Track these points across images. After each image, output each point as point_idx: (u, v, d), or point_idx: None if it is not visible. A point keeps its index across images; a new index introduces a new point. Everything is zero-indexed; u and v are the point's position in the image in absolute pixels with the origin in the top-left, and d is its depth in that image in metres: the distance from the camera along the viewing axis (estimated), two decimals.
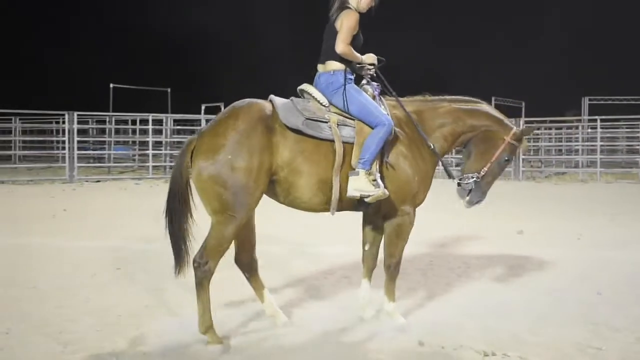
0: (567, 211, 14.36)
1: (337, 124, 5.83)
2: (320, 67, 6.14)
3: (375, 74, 6.25)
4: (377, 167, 5.81)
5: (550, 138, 28.81)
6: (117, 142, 27.57)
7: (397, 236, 6.13)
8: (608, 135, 26.08)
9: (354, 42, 6.02)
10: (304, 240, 10.40)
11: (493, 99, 30.63)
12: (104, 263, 8.59)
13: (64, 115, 22.42)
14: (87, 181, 21.29)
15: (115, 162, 26.43)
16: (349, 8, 6.04)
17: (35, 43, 47.85)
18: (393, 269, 6.21)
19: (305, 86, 6.13)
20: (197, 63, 45.33)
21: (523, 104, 31.71)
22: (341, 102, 5.96)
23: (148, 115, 23.67)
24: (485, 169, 6.31)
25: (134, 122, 27.16)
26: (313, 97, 6.01)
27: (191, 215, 5.71)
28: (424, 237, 10.49)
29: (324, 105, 5.95)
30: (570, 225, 12.23)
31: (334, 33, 5.97)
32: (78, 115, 21.94)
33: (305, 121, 5.70)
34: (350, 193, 5.69)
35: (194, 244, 5.74)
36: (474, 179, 6.30)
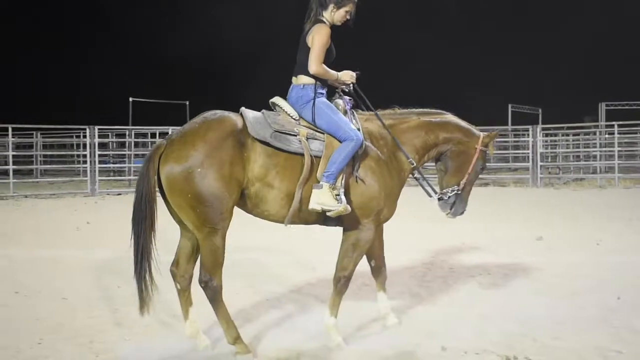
0: (586, 217, 14.37)
1: (307, 137, 5.79)
2: (293, 79, 6.12)
3: (351, 88, 6.23)
4: (343, 182, 5.75)
5: (567, 144, 28.76)
6: (136, 155, 27.80)
7: (354, 250, 6.04)
8: (626, 140, 26.02)
9: (326, 58, 5.97)
10: (323, 248, 10.51)
11: (510, 106, 30.73)
12: (128, 275, 8.70)
13: (84, 129, 22.66)
14: (108, 194, 21.54)
15: (135, 175, 26.58)
16: (322, 22, 5.99)
17: (55, 59, 48.42)
18: (342, 284, 6.08)
19: (276, 99, 6.09)
20: (216, 76, 45.70)
21: (540, 110, 31.75)
22: (310, 115, 5.93)
23: (167, 128, 23.86)
24: (464, 180, 6.39)
25: (153, 136, 27.39)
26: (283, 110, 5.97)
27: (155, 224, 5.63)
28: (443, 245, 10.65)
29: (294, 119, 5.91)
30: (589, 230, 12.26)
31: (306, 48, 5.95)
32: (98, 129, 22.20)
33: (273, 134, 5.65)
34: (312, 206, 5.63)
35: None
36: (455, 191, 6.39)
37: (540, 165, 22.95)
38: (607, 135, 26.35)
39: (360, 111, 6.30)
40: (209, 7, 40.78)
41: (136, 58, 45.14)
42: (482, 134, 6.45)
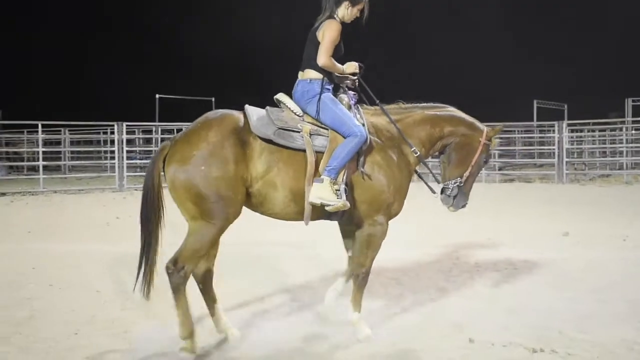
0: (612, 213, 14.33)
1: (310, 134, 5.82)
2: (299, 74, 6.17)
3: (356, 83, 6.29)
4: (344, 177, 5.78)
5: (593, 140, 28.59)
6: None
7: (368, 246, 6.08)
8: None
9: (335, 53, 6.03)
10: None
11: (535, 101, 30.61)
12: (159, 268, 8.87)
13: (112, 126, 22.90)
14: (136, 190, 21.76)
15: None
16: (334, 18, 6.06)
17: (83, 57, 48.89)
18: (361, 279, 6.13)
19: (280, 95, 6.12)
20: (242, 72, 45.86)
21: (565, 106, 31.60)
22: (314, 111, 5.97)
23: None
24: (467, 173, 6.42)
25: (179, 132, 27.52)
26: (287, 106, 6.02)
27: (162, 221, 5.71)
28: (468, 241, 10.74)
29: (297, 115, 5.95)
30: (616, 227, 12.26)
31: (315, 42, 6.01)
32: (126, 125, 22.44)
33: (277, 131, 5.67)
34: (311, 199, 5.65)
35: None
36: (457, 184, 6.42)
37: (566, 162, 22.86)
38: (633, 132, 26.20)
39: (365, 106, 6.33)
40: (236, 4, 40.96)
41: (163, 55, 45.40)
42: (486, 128, 6.49)
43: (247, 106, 5.86)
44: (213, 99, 28.17)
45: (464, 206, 6.51)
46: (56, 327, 6.37)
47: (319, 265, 8.83)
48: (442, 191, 6.50)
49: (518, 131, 29.90)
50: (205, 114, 5.88)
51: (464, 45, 44.05)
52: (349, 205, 5.73)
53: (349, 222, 6.10)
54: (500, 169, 25.78)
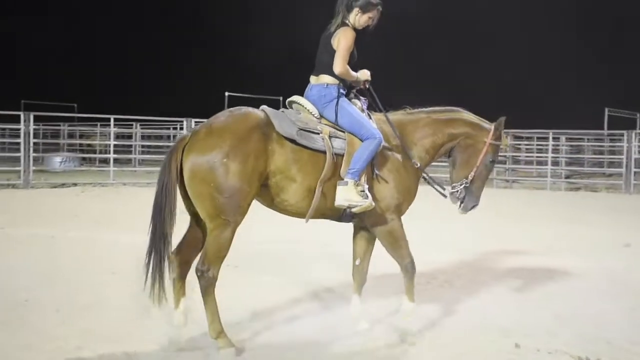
0: None
1: (329, 136, 5.93)
2: (313, 78, 6.26)
3: (367, 89, 6.36)
4: (365, 178, 5.92)
5: None
6: None
7: (396, 240, 6.22)
8: None
9: (349, 60, 6.13)
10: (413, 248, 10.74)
11: (606, 110, 30.03)
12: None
13: (181, 121, 23.40)
14: None
15: None
16: (347, 25, 6.15)
17: (156, 55, 50.05)
18: (410, 268, 6.26)
19: (296, 98, 6.22)
20: (310, 71, 46.27)
21: (638, 115, 30.94)
22: (333, 115, 6.07)
23: None
24: (472, 174, 6.45)
25: None
26: (305, 108, 6.12)
27: (174, 214, 5.70)
28: (526, 247, 10.75)
29: (315, 117, 6.07)
30: None
31: (330, 47, 6.11)
32: (195, 122, 22.90)
33: (299, 131, 5.77)
34: (339, 202, 5.79)
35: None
36: (463, 185, 6.46)
37: (635, 172, 22.41)
38: None
39: (373, 112, 6.42)
40: (305, 5, 41.32)
41: (232, 54, 46.05)
42: (492, 127, 6.50)
43: (264, 106, 5.96)
44: (280, 98, 28.46)
45: (473, 207, 6.59)
46: (118, 313, 6.67)
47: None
48: (451, 193, 6.56)
49: (588, 139, 29.45)
50: (228, 109, 5.97)
51: (534, 50, 43.51)
52: (374, 204, 5.87)
53: (360, 222, 6.21)
54: (567, 177, 25.42)
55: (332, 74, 6.11)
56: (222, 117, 5.80)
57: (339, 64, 6.03)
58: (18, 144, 21.07)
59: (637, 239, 11.80)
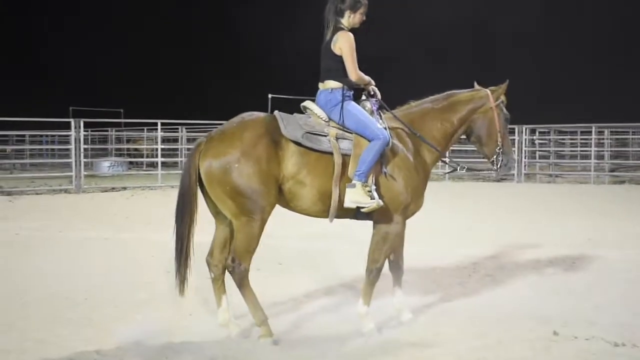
0: None
1: (337, 138, 6.15)
2: (320, 85, 6.47)
3: (373, 91, 6.54)
4: (373, 179, 6.10)
5: None
6: None
7: (384, 243, 6.34)
8: None
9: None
10: (452, 241, 11.00)
11: None
12: (267, 259, 9.41)
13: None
14: None
15: None
16: (342, 29, 6.34)
17: (198, 60, 50.80)
18: (374, 275, 6.37)
19: (307, 103, 6.46)
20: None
21: None
22: (339, 117, 6.27)
23: None
24: (500, 141, 6.65)
25: None
26: (314, 112, 6.34)
27: (196, 215, 6.06)
28: (567, 241, 10.90)
29: (324, 120, 6.28)
30: None
31: (331, 53, 6.31)
32: None
33: (305, 134, 6.02)
34: (347, 204, 5.99)
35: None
36: (498, 153, 6.64)
37: None
38: None
39: (385, 112, 6.59)
40: None
41: (276, 57, 46.42)
42: (488, 91, 6.69)
43: (277, 111, 6.24)
44: None
45: (514, 163, 6.91)
46: (173, 308, 7.00)
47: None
48: (493, 165, 6.75)
49: (633, 132, 29.21)
50: (240, 115, 6.23)
51: (578, 41, 43.10)
52: (382, 203, 6.06)
53: (368, 219, 6.37)
54: (612, 171, 25.24)
55: (335, 78, 6.35)
56: (234, 123, 6.12)
57: (352, 71, 6.30)
58: (68, 149, 21.66)
59: None
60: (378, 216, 6.28)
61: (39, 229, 12.59)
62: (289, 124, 6.07)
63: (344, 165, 6.09)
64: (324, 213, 6.20)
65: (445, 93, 6.80)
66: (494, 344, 5.97)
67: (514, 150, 6.81)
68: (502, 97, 6.74)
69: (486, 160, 6.83)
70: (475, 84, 6.90)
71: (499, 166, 6.71)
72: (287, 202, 6.17)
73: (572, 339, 6.00)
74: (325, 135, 6.14)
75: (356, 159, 6.08)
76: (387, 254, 6.47)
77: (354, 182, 6.00)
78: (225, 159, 5.84)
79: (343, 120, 6.29)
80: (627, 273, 8.62)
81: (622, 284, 8.09)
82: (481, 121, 6.67)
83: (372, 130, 6.15)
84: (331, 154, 6.09)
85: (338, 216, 6.23)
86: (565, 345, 5.89)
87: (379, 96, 6.56)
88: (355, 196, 5.98)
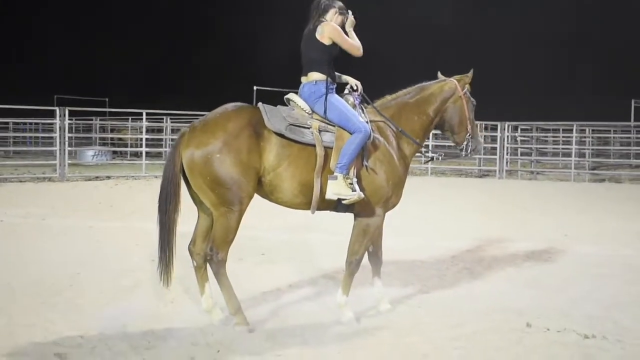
0: None
1: (319, 130, 6.25)
2: (303, 78, 6.58)
3: (356, 90, 6.71)
4: (355, 171, 6.22)
5: None
6: None
7: (364, 235, 6.50)
8: None
9: (332, 50, 6.50)
10: (432, 234, 11.18)
11: (633, 101, 30.02)
12: (250, 249, 9.52)
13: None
14: None
15: None
16: (325, 21, 6.50)
17: (184, 51, 50.83)
18: (354, 266, 6.54)
19: (291, 95, 6.56)
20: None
21: None
22: (322, 109, 6.38)
23: None
24: (469, 127, 6.96)
25: None
26: (297, 104, 6.44)
27: (179, 204, 6.10)
28: (546, 236, 11.15)
29: (307, 113, 6.38)
30: None
31: (315, 42, 6.44)
32: None
33: (288, 126, 6.10)
34: (329, 196, 6.10)
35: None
36: (469, 140, 6.97)
37: None
38: None
39: (367, 106, 6.78)
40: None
41: (262, 49, 46.47)
42: (454, 80, 6.97)
43: (260, 103, 6.33)
44: None
45: (479, 148, 7.15)
46: (157, 294, 7.11)
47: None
48: (463, 151, 7.04)
49: (614, 131, 29.51)
50: (224, 105, 6.29)
51: (560, 40, 43.46)
52: (363, 196, 6.18)
53: (349, 212, 6.50)
54: (593, 169, 25.51)
55: (319, 70, 6.48)
56: (217, 113, 6.19)
57: (354, 48, 6.53)
58: (52, 138, 21.67)
59: None
60: (359, 209, 6.41)
61: (22, 216, 12.67)
62: (272, 116, 6.14)
63: (326, 157, 6.19)
64: (305, 205, 6.31)
65: (417, 86, 7.01)
66: (469, 334, 6.14)
67: (479, 135, 7.09)
68: (467, 86, 6.99)
69: (455, 145, 7.12)
70: (439, 73, 7.14)
71: (469, 151, 7.00)
72: (268, 194, 6.26)
73: (545, 331, 6.19)
74: (308, 128, 6.24)
75: (338, 151, 6.19)
76: (366, 246, 6.63)
77: (335, 174, 6.10)
78: (207, 149, 5.90)
79: (326, 113, 6.39)
80: (601, 268, 8.83)
81: (596, 278, 8.30)
82: (452, 110, 6.93)
83: (354, 123, 6.26)
84: (313, 146, 6.19)
85: (319, 208, 6.32)
86: (537, 336, 6.07)
87: (361, 90, 6.70)
88: (337, 188, 6.08)
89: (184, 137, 6.09)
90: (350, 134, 6.25)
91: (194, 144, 5.97)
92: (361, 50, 6.57)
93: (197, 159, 5.94)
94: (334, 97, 6.48)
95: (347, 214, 6.57)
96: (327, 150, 6.23)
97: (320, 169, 6.16)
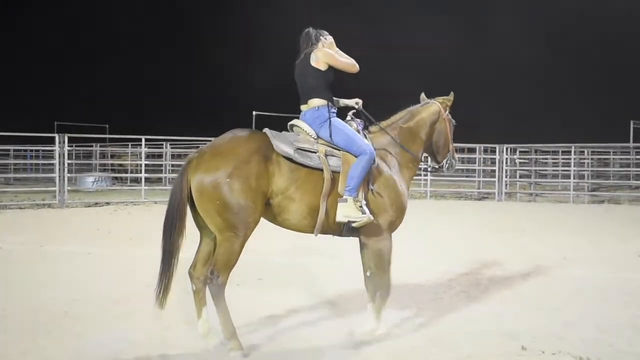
0: None
1: (325, 154, 6.33)
2: (303, 107, 6.70)
3: (360, 110, 6.90)
4: (363, 194, 6.33)
5: None
6: None
7: (383, 261, 6.63)
8: None
9: (329, 75, 6.64)
10: (430, 257, 11.18)
11: (632, 122, 30.07)
12: (248, 274, 9.51)
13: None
14: None
15: None
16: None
17: (184, 77, 51.09)
18: (386, 295, 6.74)
19: (295, 121, 6.67)
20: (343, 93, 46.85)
21: None
22: (327, 134, 6.50)
23: None
24: (451, 147, 7.33)
25: None
26: (303, 130, 6.54)
27: (184, 230, 6.08)
28: (544, 257, 11.09)
29: (312, 138, 6.48)
30: None
31: (310, 68, 6.59)
32: None
33: (296, 150, 6.16)
34: (339, 219, 6.20)
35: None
36: (449, 157, 7.32)
37: None
38: None
39: (369, 132, 6.95)
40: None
41: (261, 74, 46.71)
42: (438, 103, 7.25)
43: (266, 129, 6.38)
44: None
45: (457, 163, 7.46)
46: (153, 321, 7.11)
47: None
48: (442, 168, 7.42)
49: (614, 152, 29.54)
50: (232, 130, 6.33)
51: (559, 63, 43.65)
52: (372, 218, 6.31)
53: (354, 235, 6.56)
54: (592, 190, 25.50)
55: (319, 96, 6.61)
56: (226, 138, 6.21)
57: (350, 65, 6.71)
58: (52, 164, 21.73)
59: None
60: (365, 232, 6.49)
61: (21, 243, 12.70)
62: (280, 141, 6.19)
63: (333, 181, 6.27)
64: (311, 228, 6.34)
65: (407, 110, 7.23)
66: (464, 357, 6.13)
67: (455, 156, 7.33)
68: (448, 108, 7.29)
69: (435, 163, 7.48)
70: (423, 94, 7.41)
71: (446, 168, 7.33)
72: (274, 216, 6.27)
73: (539, 354, 6.17)
74: (314, 152, 6.30)
75: (345, 175, 6.30)
76: (389, 270, 6.73)
77: (345, 197, 6.21)
78: (217, 174, 5.89)
79: (332, 136, 6.49)
80: (598, 291, 8.81)
81: (592, 301, 8.28)
82: (438, 132, 7.24)
83: (360, 145, 6.40)
84: (321, 170, 6.26)
85: (324, 232, 6.41)
86: (531, 359, 6.07)
87: (361, 105, 6.90)
88: (347, 211, 6.19)
89: (191, 162, 6.07)
90: (355, 157, 6.35)
91: (203, 169, 5.96)
92: (357, 66, 6.71)
93: (206, 184, 5.92)
94: (337, 121, 6.59)
95: (350, 237, 6.63)
96: (334, 174, 6.30)
97: (327, 192, 6.23)
